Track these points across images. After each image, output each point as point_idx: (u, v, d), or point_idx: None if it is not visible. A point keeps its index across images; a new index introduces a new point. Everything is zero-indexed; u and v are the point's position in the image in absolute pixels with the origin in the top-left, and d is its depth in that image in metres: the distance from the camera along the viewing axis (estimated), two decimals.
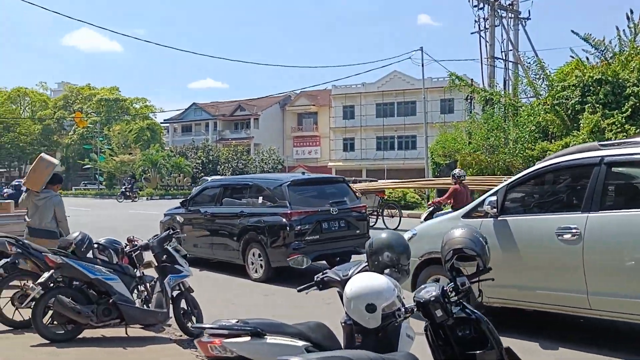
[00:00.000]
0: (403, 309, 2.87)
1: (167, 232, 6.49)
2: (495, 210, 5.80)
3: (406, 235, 6.76)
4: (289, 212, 8.94)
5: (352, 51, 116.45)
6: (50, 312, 5.85)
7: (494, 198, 5.86)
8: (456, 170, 12.79)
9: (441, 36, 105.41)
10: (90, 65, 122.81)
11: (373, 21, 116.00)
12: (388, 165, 57.94)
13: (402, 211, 21.64)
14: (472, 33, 29.23)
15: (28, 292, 6.07)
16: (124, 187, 41.16)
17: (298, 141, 69.86)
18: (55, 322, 5.80)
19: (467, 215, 6.22)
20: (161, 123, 71.16)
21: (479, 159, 22.73)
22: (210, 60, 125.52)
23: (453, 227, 3.32)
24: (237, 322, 3.16)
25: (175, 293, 6.32)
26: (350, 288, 3.00)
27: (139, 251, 6.45)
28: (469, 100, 28.19)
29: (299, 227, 8.92)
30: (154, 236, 6.50)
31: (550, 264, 5.51)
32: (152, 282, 6.38)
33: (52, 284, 5.92)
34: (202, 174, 51.74)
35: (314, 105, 69.01)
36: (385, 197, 20.48)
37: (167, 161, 47.01)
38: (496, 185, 6.58)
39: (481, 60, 28.23)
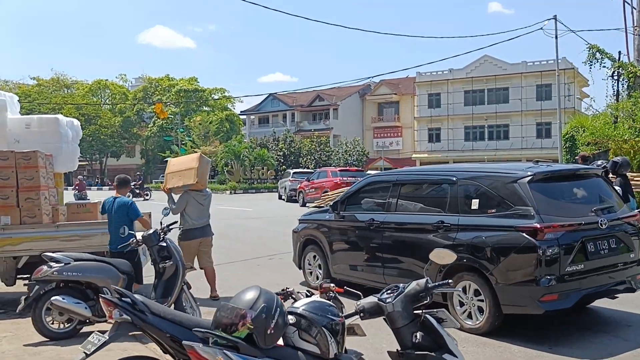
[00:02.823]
0: None
1: (424, 284, 3.07)
2: None
3: None
4: (538, 225, 5.39)
5: (425, 42, 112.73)
6: None
7: None
8: None
9: (513, 24, 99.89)
10: (165, 62, 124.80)
11: (442, 13, 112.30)
12: (478, 157, 53.32)
13: None
14: None
15: None
16: (132, 184, 35.04)
17: (378, 132, 66.32)
18: None
19: None
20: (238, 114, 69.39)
21: None
22: (280, 54, 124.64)
23: None
24: None
25: None
26: None
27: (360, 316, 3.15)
28: (615, 78, 23.52)
29: (553, 250, 5.36)
30: (395, 289, 3.13)
31: None
32: None
33: None
34: (283, 166, 49.09)
35: (395, 94, 65.42)
36: None
37: (250, 153, 44.45)
38: None
39: (625, 30, 23.54)
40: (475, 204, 6.00)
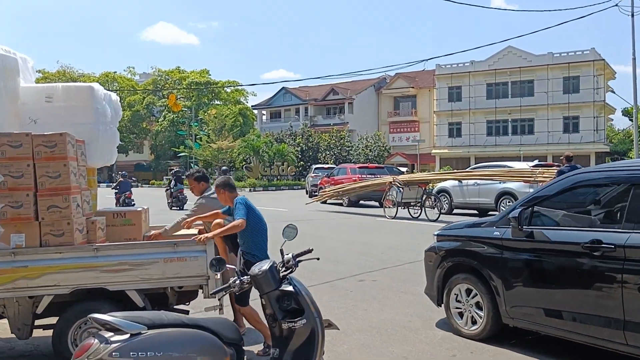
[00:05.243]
0: None
1: None
2: None
3: None
4: None
5: (440, 36, 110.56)
6: None
7: None
8: None
9: (516, 20, 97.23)
10: (169, 58, 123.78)
11: (445, 9, 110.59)
12: (501, 153, 50.71)
13: None
14: None
15: None
16: None
17: (394, 127, 63.75)
18: None
19: None
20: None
21: None
22: (283, 51, 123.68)
23: None
24: None
25: None
26: None
27: None
28: None
29: None
30: None
31: None
32: None
33: None
34: (301, 162, 46.54)
35: (412, 87, 62.84)
36: (426, 187, 18.42)
37: (269, 148, 41.85)
38: None
39: None
40: None
